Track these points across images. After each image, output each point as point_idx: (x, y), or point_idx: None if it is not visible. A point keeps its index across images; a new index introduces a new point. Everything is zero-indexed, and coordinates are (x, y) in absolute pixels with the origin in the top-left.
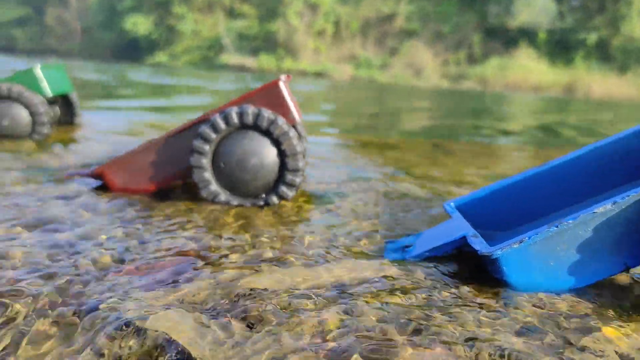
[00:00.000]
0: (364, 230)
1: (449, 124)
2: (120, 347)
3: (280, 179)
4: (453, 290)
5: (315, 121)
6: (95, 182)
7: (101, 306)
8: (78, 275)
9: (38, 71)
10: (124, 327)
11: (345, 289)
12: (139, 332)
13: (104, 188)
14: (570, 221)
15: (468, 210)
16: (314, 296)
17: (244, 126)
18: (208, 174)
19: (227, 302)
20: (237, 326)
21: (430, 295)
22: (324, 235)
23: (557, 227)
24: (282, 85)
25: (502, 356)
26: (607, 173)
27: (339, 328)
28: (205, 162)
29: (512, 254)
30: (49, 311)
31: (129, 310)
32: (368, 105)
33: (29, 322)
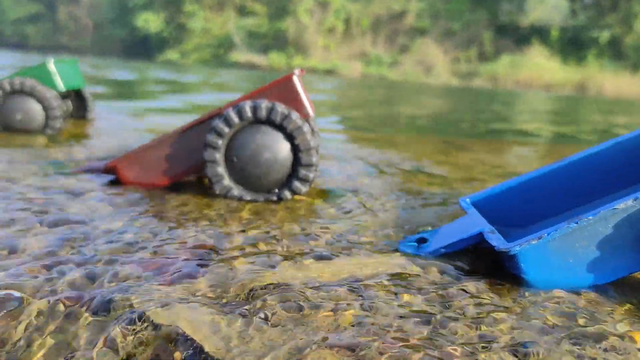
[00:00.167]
0: (378, 226)
1: (460, 121)
2: (133, 340)
3: (293, 174)
4: (469, 286)
5: (327, 117)
6: (108, 177)
7: (115, 300)
8: (91, 268)
9: (51, 66)
10: (137, 321)
11: (360, 285)
12: (153, 326)
13: (116, 182)
14: (590, 217)
15: (484, 206)
16: (328, 292)
17: (257, 120)
18: (221, 169)
19: (241, 297)
20: (251, 321)
21: (446, 292)
22: (338, 231)
23: (576, 223)
24: (295, 79)
25: (520, 355)
26: (623, 170)
27: (354, 324)
28: (218, 156)
29: (530, 250)
30: (62, 304)
31: (142, 304)
32: (379, 102)
33: (42, 314)
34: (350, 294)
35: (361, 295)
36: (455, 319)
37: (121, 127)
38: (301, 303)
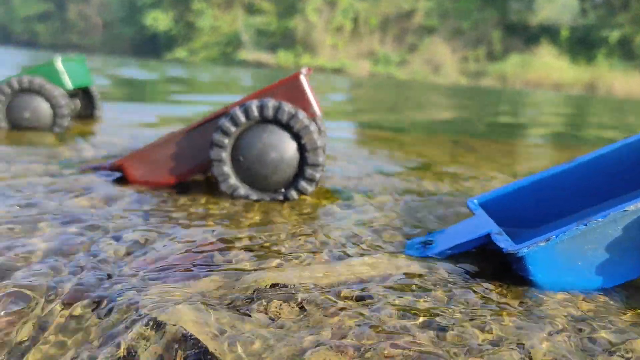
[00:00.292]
0: (384, 226)
1: (469, 121)
2: (138, 340)
3: (300, 173)
4: (476, 288)
5: (335, 117)
6: (114, 175)
7: (119, 299)
8: (96, 268)
9: (59, 64)
10: (142, 321)
11: (366, 286)
12: (158, 326)
13: (123, 181)
14: (600, 219)
15: (491, 207)
16: (334, 292)
17: (264, 120)
18: (227, 168)
19: (246, 297)
20: (256, 321)
21: (452, 294)
22: (344, 231)
23: (585, 225)
24: (302, 78)
25: (527, 357)
26: (633, 171)
27: (360, 325)
28: (225, 155)
29: (538, 252)
30: (68, 304)
31: (147, 304)
32: (387, 101)
33: (47, 314)
34: (355, 295)
35: (367, 297)
36: (462, 321)
37: (129, 125)
38: (306, 304)
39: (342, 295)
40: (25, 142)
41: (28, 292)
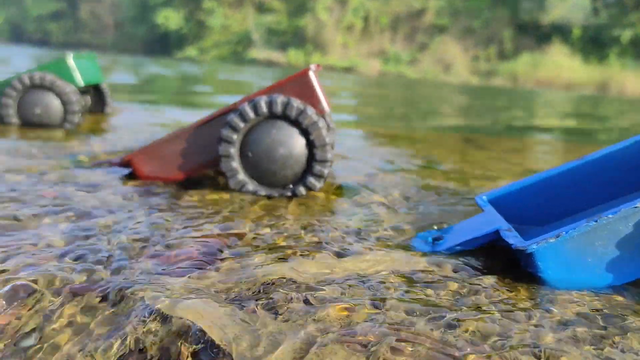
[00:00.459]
0: (393, 222)
1: (479, 119)
2: (145, 333)
3: (308, 169)
4: (485, 284)
5: (345, 114)
6: (123, 170)
7: (127, 292)
8: (104, 261)
9: (70, 60)
10: (149, 314)
11: (374, 281)
12: (164, 318)
13: (132, 176)
14: (611, 216)
15: (500, 204)
16: (341, 287)
17: (272, 115)
18: (236, 164)
19: (253, 291)
20: (262, 315)
21: (461, 290)
22: (352, 227)
23: (596, 221)
24: (311, 74)
25: (536, 354)
26: None
27: (367, 320)
28: (233, 151)
29: (548, 249)
30: (76, 296)
31: (154, 296)
32: (397, 99)
33: (56, 306)
34: (362, 290)
35: (374, 291)
36: (470, 316)
37: (139, 121)
38: (313, 298)
39: (349, 290)
40: (36, 137)
41: (35, 285)
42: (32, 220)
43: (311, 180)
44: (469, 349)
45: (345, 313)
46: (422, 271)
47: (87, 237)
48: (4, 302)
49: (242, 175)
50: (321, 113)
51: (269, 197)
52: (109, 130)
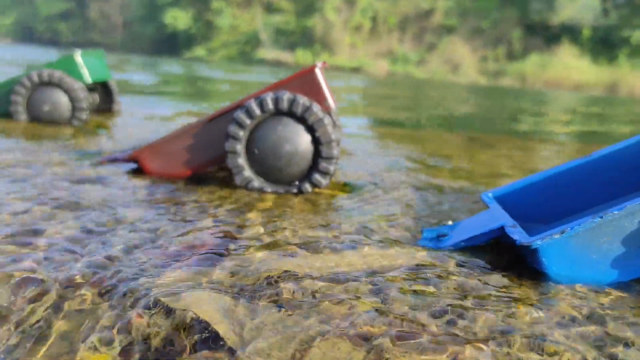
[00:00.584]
0: (398, 218)
1: (486, 119)
2: (148, 325)
3: (314, 166)
4: (489, 280)
5: (350, 112)
6: (130, 166)
7: (131, 285)
8: (110, 254)
9: (78, 58)
10: (152, 306)
11: (377, 276)
12: (168, 311)
13: (139, 172)
14: (616, 212)
15: (506, 201)
16: (345, 282)
17: (278, 112)
18: (242, 160)
19: (257, 284)
20: (266, 308)
21: (465, 285)
22: (357, 223)
23: (601, 217)
24: (318, 71)
25: (539, 350)
26: None
27: (370, 314)
28: (240, 147)
29: (553, 245)
30: (80, 289)
31: (158, 289)
32: (404, 99)
33: (60, 298)
34: (366, 285)
35: (378, 286)
36: (474, 312)
37: (146, 118)
38: (316, 292)
39: (353, 284)
40: (44, 134)
41: (42, 278)
42: (38, 214)
43: (317, 177)
44: (471, 344)
45: (349, 306)
46: (427, 266)
47: (92, 231)
48: (9, 294)
49: (248, 172)
50: (327, 110)
51: (274, 194)
52: (116, 126)
